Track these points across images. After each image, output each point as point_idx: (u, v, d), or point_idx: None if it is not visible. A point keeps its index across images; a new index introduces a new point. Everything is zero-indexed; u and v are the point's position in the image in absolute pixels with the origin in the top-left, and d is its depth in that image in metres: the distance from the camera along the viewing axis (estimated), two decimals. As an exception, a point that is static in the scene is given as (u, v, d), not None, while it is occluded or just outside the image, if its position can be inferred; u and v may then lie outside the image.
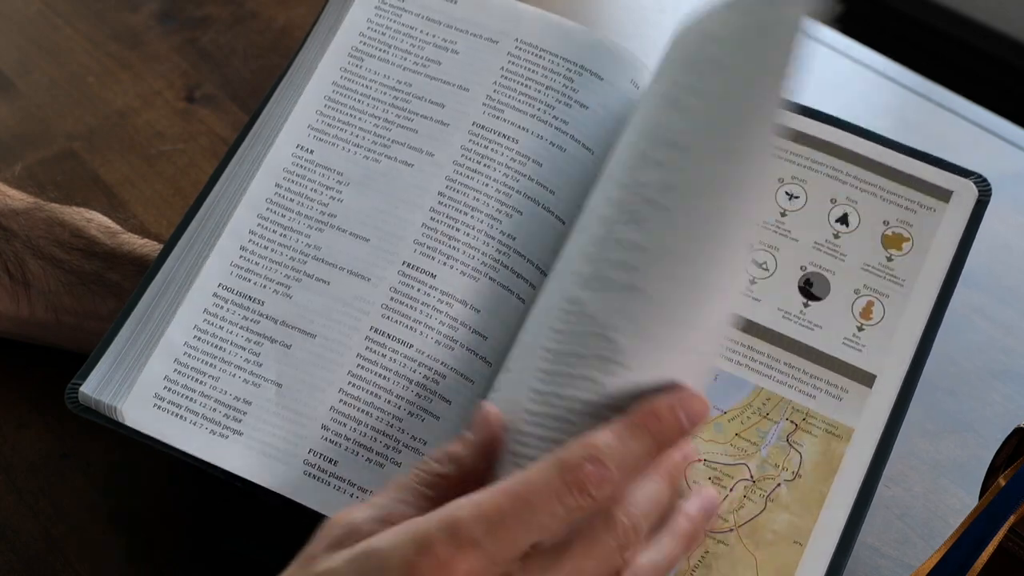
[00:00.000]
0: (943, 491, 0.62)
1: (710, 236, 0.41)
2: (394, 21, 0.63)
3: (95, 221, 0.65)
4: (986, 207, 0.57)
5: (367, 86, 0.61)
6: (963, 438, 0.65)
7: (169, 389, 0.54)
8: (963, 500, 0.62)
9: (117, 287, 0.62)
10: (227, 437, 0.53)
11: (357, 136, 0.60)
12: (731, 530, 0.53)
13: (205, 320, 0.56)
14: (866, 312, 0.56)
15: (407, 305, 0.56)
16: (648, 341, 0.41)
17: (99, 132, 0.82)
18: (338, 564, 0.40)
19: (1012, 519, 0.53)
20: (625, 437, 0.40)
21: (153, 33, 0.91)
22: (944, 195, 0.57)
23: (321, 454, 0.53)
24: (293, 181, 0.59)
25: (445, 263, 0.57)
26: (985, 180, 0.58)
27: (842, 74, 0.92)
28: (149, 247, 0.64)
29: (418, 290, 0.56)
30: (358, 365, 0.55)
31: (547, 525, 0.39)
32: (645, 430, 0.41)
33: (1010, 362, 0.69)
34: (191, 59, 0.89)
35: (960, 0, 1.83)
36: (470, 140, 0.59)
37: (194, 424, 0.53)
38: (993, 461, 0.57)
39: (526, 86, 0.61)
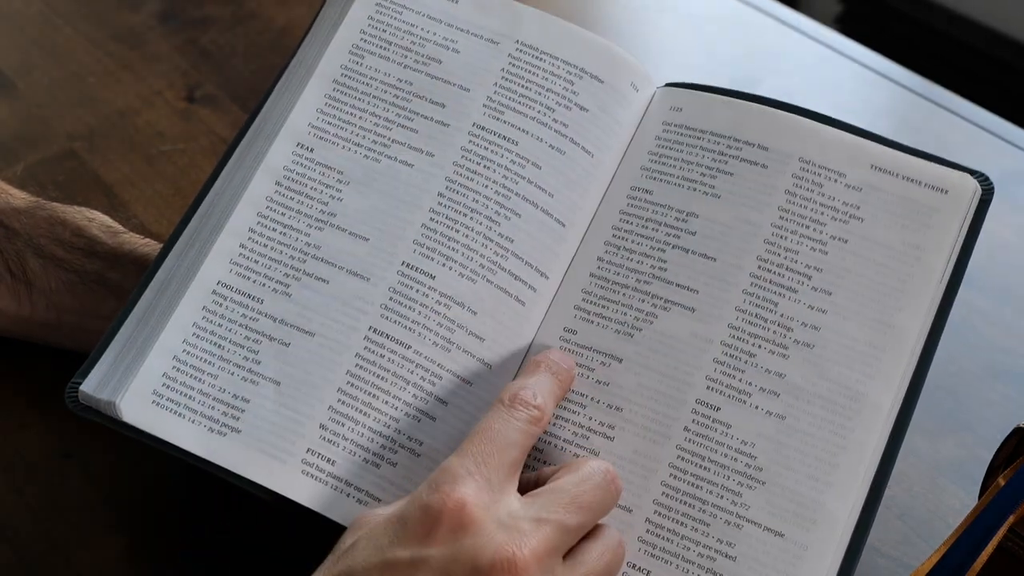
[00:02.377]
0: (943, 491, 0.62)
1: None
2: (395, 18, 0.62)
3: (96, 220, 0.65)
4: (988, 206, 0.57)
5: (368, 84, 0.61)
6: (963, 438, 0.65)
7: (167, 387, 0.54)
8: (963, 500, 0.62)
9: (118, 287, 0.62)
10: (225, 435, 0.53)
11: (357, 135, 0.60)
12: None
13: (204, 317, 0.56)
14: None
15: (405, 306, 0.56)
16: None
17: (100, 132, 0.82)
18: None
19: (1012, 519, 0.53)
20: (528, 373, 0.54)
21: (153, 33, 0.91)
22: (945, 194, 0.57)
23: (319, 453, 0.53)
24: (293, 180, 0.59)
25: (444, 264, 0.57)
26: (987, 178, 0.57)
27: (842, 74, 0.92)
28: (151, 247, 0.64)
29: (416, 291, 0.56)
30: (356, 365, 0.55)
31: (515, 441, 0.50)
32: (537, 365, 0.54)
33: (1010, 362, 0.69)
34: (191, 59, 0.89)
35: (960, 0, 1.83)
36: (470, 141, 0.59)
37: (192, 422, 0.53)
38: (993, 461, 0.57)
39: (526, 88, 0.61)
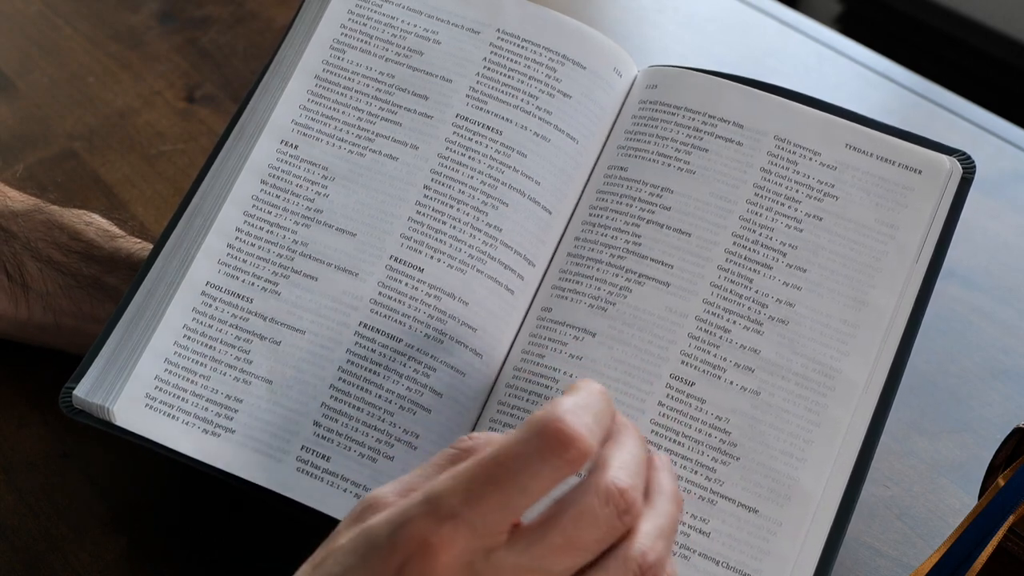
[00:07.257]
0: (943, 491, 0.62)
1: None
2: (375, 11, 0.62)
3: (94, 224, 0.65)
4: (970, 185, 0.57)
5: (350, 79, 0.61)
6: (962, 438, 0.65)
7: (160, 389, 0.54)
8: (963, 500, 0.62)
9: (115, 291, 0.62)
10: (219, 435, 0.53)
11: (341, 130, 0.60)
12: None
13: (194, 319, 0.55)
14: None
15: (396, 300, 0.56)
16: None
17: (99, 132, 0.82)
18: (343, 542, 0.40)
19: (1012, 519, 0.53)
20: (594, 395, 0.41)
21: (153, 33, 0.91)
22: (919, 173, 0.57)
23: (314, 450, 0.53)
24: (278, 177, 0.58)
25: (432, 256, 0.57)
26: (968, 157, 0.57)
27: (842, 74, 0.92)
28: (148, 250, 0.64)
29: (406, 284, 0.56)
30: (348, 361, 0.55)
31: (528, 488, 0.38)
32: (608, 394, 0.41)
33: (1010, 362, 0.69)
34: (191, 59, 0.89)
35: (960, 0, 1.83)
36: (454, 132, 0.59)
37: (186, 423, 0.53)
38: (992, 461, 0.57)
39: (509, 77, 0.61)
